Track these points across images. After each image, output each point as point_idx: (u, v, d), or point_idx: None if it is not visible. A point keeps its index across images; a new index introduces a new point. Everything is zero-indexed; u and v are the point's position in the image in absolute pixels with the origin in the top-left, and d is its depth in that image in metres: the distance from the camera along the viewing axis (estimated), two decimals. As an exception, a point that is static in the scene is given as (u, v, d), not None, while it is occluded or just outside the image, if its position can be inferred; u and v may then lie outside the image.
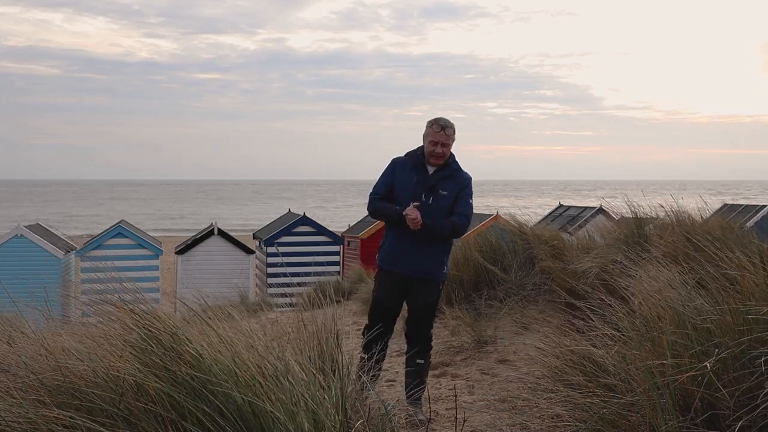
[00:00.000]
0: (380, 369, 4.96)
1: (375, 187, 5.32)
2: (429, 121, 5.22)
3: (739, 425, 3.06)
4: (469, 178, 5.30)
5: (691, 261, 5.00)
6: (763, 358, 3.18)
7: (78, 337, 3.49)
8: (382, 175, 5.33)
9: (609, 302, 4.26)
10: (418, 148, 5.29)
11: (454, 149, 5.22)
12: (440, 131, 5.13)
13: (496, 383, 5.71)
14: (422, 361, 5.23)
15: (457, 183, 5.21)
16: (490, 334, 7.06)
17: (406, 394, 5.16)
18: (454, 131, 5.19)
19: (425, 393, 5.15)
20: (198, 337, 3.11)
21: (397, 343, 6.90)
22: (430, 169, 5.20)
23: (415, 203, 5.05)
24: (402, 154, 5.35)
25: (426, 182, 5.16)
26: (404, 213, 5.02)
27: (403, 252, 5.14)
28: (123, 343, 3.15)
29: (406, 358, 5.33)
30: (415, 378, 5.18)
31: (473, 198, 5.33)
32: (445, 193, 5.16)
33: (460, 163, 5.29)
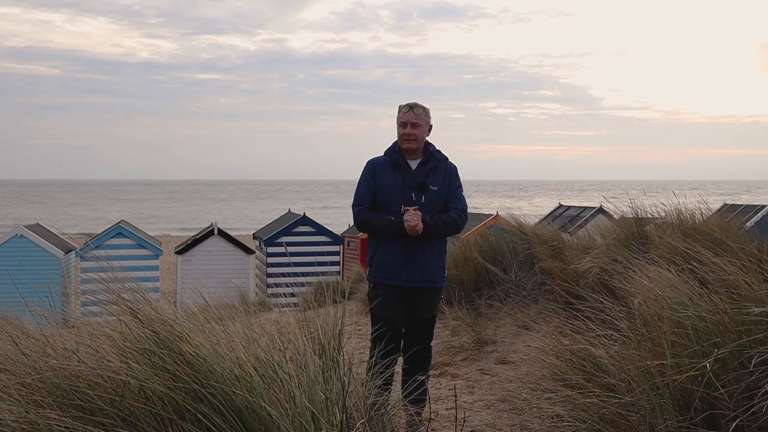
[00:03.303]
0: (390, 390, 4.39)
1: (357, 196, 4.80)
2: (399, 106, 4.86)
3: (738, 424, 3.07)
4: (456, 168, 4.87)
5: (691, 261, 4.99)
6: (761, 358, 3.19)
7: (78, 337, 3.50)
8: (362, 181, 4.81)
9: (609, 302, 4.26)
10: (394, 143, 4.85)
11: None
12: (408, 111, 4.75)
13: (496, 383, 5.71)
14: (423, 377, 4.67)
15: (446, 174, 4.79)
16: (490, 334, 7.06)
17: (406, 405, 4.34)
18: (428, 114, 4.80)
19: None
20: (198, 337, 3.11)
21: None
22: (413, 164, 4.77)
23: (413, 207, 4.61)
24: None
25: (413, 180, 4.73)
26: (404, 219, 4.55)
27: (403, 262, 4.68)
28: (123, 343, 3.15)
29: (404, 378, 4.73)
30: (416, 392, 4.37)
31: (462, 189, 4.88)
32: (435, 188, 4.73)
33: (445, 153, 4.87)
